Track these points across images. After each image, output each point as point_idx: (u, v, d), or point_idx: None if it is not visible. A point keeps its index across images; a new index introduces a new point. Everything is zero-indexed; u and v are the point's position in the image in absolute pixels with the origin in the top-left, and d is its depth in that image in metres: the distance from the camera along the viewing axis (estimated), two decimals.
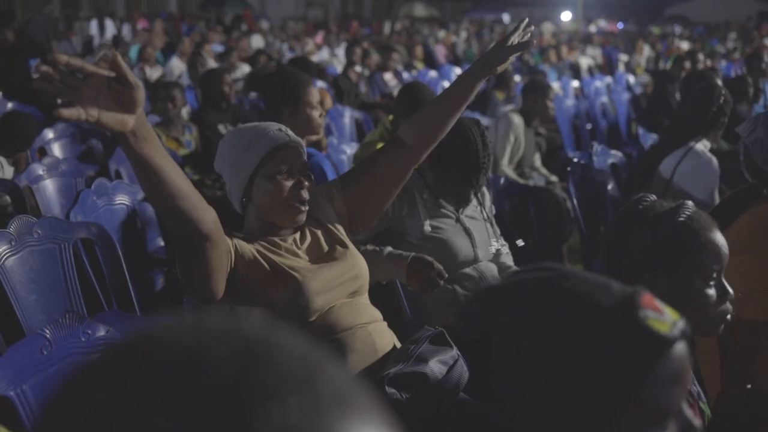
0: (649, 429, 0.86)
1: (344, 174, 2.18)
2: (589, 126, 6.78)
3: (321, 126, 3.12)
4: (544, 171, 5.04)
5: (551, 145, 6.04)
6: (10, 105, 5.50)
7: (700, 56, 7.23)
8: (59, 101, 6.05)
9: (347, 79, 7.47)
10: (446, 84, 8.55)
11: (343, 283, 1.92)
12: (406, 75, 8.82)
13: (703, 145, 3.51)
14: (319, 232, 2.00)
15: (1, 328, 2.39)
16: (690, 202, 1.45)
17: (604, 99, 7.41)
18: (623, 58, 13.60)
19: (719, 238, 1.41)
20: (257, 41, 13.56)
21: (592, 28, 24.23)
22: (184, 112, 5.32)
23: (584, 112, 6.85)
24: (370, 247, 2.43)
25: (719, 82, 3.72)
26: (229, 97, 5.03)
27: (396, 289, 2.51)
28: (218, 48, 10.99)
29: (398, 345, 1.95)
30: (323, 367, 0.43)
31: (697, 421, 0.90)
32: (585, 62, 12.05)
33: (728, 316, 1.43)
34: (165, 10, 26.19)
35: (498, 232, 2.79)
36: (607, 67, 12.55)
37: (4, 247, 2.46)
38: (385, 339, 1.93)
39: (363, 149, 3.91)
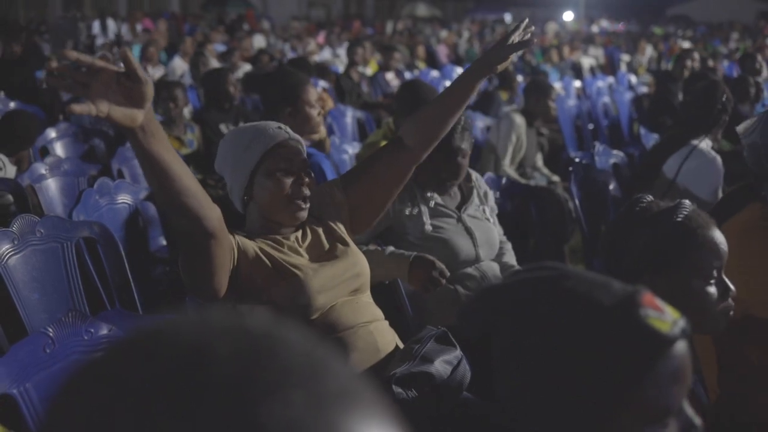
0: (650, 427, 0.86)
1: (345, 173, 2.18)
2: (591, 126, 6.78)
3: (320, 124, 3.13)
4: (546, 171, 5.04)
5: (553, 145, 6.03)
6: (12, 105, 5.51)
7: (696, 55, 7.22)
8: (66, 99, 6.03)
9: (349, 79, 7.47)
10: (448, 84, 8.54)
11: (344, 281, 1.92)
12: (408, 75, 8.82)
13: (705, 144, 3.51)
14: (320, 231, 2.01)
15: (4, 327, 2.39)
16: (687, 201, 1.45)
17: (606, 99, 7.40)
18: (625, 58, 13.59)
19: (717, 235, 1.41)
20: (259, 41, 13.56)
21: (595, 28, 24.21)
22: (186, 111, 5.32)
23: (586, 112, 6.84)
24: (371, 246, 2.43)
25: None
26: (233, 97, 5.03)
27: (398, 289, 2.51)
28: (220, 48, 10.99)
29: (400, 344, 1.96)
30: (327, 363, 0.44)
31: (697, 420, 0.91)
32: (587, 62, 12.05)
33: (730, 313, 1.43)
34: (167, 9, 26.20)
35: (501, 231, 2.80)
36: (609, 67, 12.55)
37: (7, 246, 2.46)
38: (387, 338, 1.94)
39: (366, 149, 3.91)
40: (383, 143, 2.75)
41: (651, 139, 5.19)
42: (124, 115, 1.34)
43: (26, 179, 3.59)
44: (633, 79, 10.11)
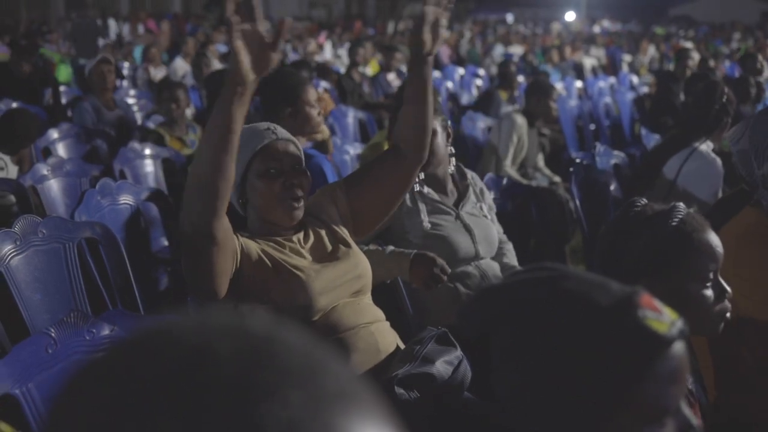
0: (648, 427, 0.87)
1: (348, 176, 2.18)
2: (592, 126, 6.78)
3: (321, 124, 3.14)
4: (547, 171, 5.04)
5: (554, 146, 6.04)
6: (14, 105, 5.52)
7: (695, 54, 7.21)
8: (66, 100, 6.02)
9: (350, 79, 7.47)
10: (450, 84, 8.55)
11: (346, 283, 1.93)
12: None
13: (706, 146, 3.51)
14: (322, 232, 2.01)
15: (6, 327, 2.40)
16: (682, 205, 1.45)
17: (608, 99, 7.40)
18: (627, 58, 13.57)
19: (713, 238, 1.41)
20: None
21: (596, 29, 24.19)
22: (188, 112, 5.32)
23: (587, 112, 6.84)
24: (372, 246, 2.43)
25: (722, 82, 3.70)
26: None
27: (398, 288, 2.51)
28: (222, 48, 11.00)
29: (401, 345, 1.96)
30: (326, 364, 0.44)
31: (695, 420, 0.91)
32: (589, 62, 12.04)
33: (727, 314, 1.43)
34: (169, 10, 26.20)
35: (501, 229, 2.81)
36: (611, 67, 12.53)
37: (9, 247, 2.47)
38: (388, 339, 1.94)
39: (369, 150, 3.92)
40: (386, 145, 2.76)
41: (652, 140, 5.18)
42: (247, 64, 1.49)
43: (28, 180, 3.59)
44: (634, 79, 10.11)
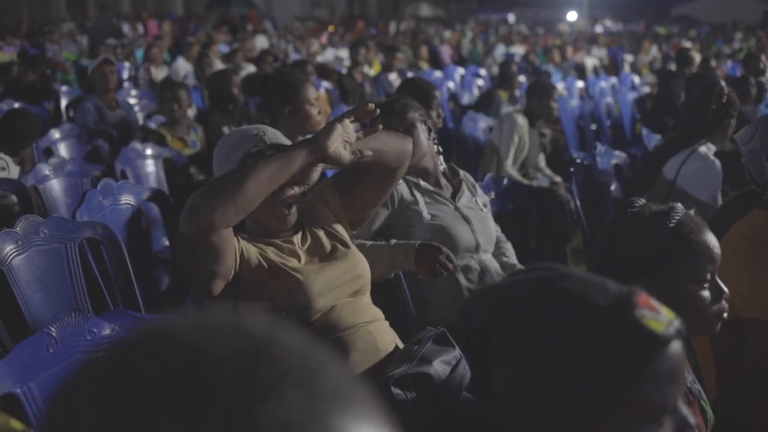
0: (646, 426, 0.87)
1: (335, 174, 2.19)
2: (593, 126, 6.78)
3: (321, 123, 3.14)
4: (548, 171, 5.04)
5: (555, 146, 6.04)
6: (16, 105, 5.53)
7: (693, 54, 7.20)
8: (67, 101, 6.03)
9: (352, 79, 7.48)
10: (451, 84, 8.54)
11: (345, 283, 1.93)
12: (411, 75, 8.82)
13: (707, 148, 3.49)
14: (320, 233, 2.01)
15: (8, 327, 2.41)
16: (680, 205, 1.44)
17: (609, 99, 7.39)
18: (628, 58, 13.56)
19: (710, 239, 1.41)
20: (261, 42, 13.56)
21: (598, 29, 24.16)
22: (190, 112, 5.33)
23: (589, 112, 6.84)
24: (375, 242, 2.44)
25: (722, 82, 3.68)
26: (237, 98, 5.04)
27: (400, 284, 2.51)
28: (224, 48, 11.01)
29: (400, 344, 1.96)
30: (323, 364, 0.44)
31: (693, 419, 0.92)
32: (590, 62, 12.02)
33: (724, 315, 1.43)
34: (171, 10, 26.22)
35: (498, 228, 2.82)
36: (613, 67, 12.52)
37: (11, 247, 2.48)
38: (387, 338, 1.94)
39: None
40: None
41: (653, 140, 5.17)
42: (336, 148, 1.75)
43: (30, 180, 3.60)
44: (636, 79, 10.09)
